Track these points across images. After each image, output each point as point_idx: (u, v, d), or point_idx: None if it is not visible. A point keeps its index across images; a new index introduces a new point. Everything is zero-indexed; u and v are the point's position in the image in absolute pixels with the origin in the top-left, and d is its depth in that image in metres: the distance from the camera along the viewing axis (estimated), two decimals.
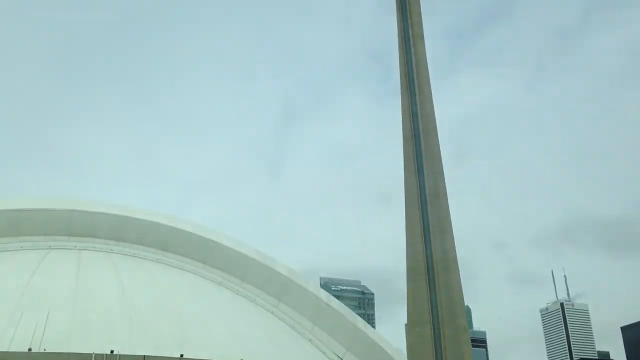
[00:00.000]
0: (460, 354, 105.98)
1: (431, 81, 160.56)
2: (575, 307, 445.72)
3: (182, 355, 36.25)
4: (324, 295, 60.18)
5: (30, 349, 33.06)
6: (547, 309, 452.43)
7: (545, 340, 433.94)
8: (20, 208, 50.53)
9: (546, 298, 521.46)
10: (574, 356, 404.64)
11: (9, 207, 50.26)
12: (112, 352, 34.12)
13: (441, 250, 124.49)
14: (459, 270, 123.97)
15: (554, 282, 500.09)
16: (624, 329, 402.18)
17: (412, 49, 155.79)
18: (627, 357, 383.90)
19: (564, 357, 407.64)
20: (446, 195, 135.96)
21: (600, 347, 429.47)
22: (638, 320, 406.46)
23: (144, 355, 35.00)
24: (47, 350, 33.19)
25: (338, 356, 56.06)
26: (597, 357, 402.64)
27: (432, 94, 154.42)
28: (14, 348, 33.70)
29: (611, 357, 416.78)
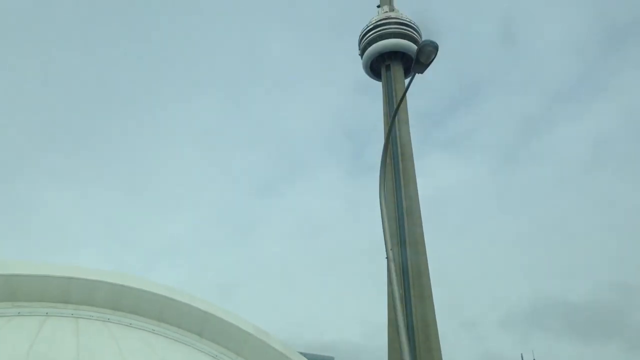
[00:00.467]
0: None
1: (401, 163, 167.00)
2: None
3: None
4: None
5: None
6: None
7: None
8: (17, 273, 48.97)
9: None
10: None
11: (6, 272, 48.67)
12: None
13: (422, 321, 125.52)
14: (439, 339, 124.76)
15: None
16: None
17: (398, 133, 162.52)
18: None
19: None
20: (428, 271, 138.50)
21: None
22: None
23: None
24: None
25: None
26: None
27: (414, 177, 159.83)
28: None
29: None
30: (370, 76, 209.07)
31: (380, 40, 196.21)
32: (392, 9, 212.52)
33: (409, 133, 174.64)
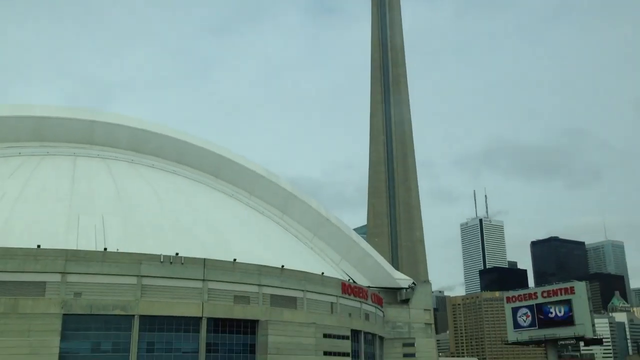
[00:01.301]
0: (415, 262, 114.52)
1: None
2: (492, 223, 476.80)
3: (235, 260, 39.45)
4: (323, 210, 63.94)
5: (105, 249, 35.19)
6: (467, 223, 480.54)
7: (463, 250, 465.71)
8: (45, 115, 50.55)
9: (467, 214, 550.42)
10: (487, 265, 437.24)
11: (35, 114, 50.19)
12: (177, 254, 36.85)
13: (403, 169, 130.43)
14: (418, 189, 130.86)
15: (475, 200, 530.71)
16: (533, 244, 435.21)
17: None
18: (533, 267, 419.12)
19: (477, 265, 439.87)
20: (410, 117, 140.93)
21: (511, 258, 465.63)
22: (545, 237, 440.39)
23: (204, 259, 37.89)
24: (119, 250, 35.44)
25: (334, 262, 60.73)
26: (507, 267, 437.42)
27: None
28: (82, 247, 35.66)
29: (519, 267, 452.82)
30: None
31: None
32: None
33: None
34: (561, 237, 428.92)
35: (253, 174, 59.20)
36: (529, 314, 68.28)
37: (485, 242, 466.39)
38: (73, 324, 32.52)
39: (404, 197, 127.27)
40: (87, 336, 32.99)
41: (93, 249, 35.62)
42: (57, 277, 32.75)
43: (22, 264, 32.30)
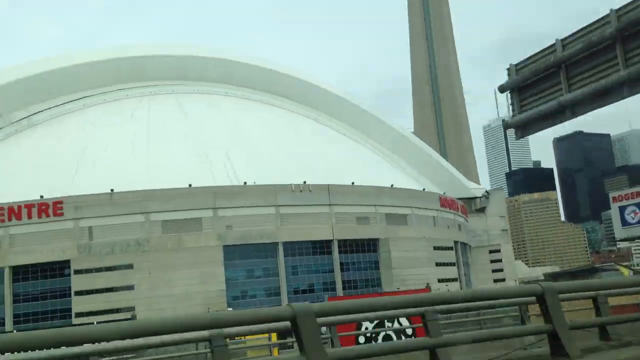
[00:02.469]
0: (467, 170, 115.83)
1: None
2: None
3: (353, 183, 41.42)
4: (400, 128, 65.19)
5: (245, 183, 37.21)
6: (489, 125, 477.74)
7: (487, 153, 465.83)
8: (141, 54, 51.39)
9: (488, 115, 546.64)
10: (512, 166, 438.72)
11: (131, 54, 51.06)
12: (304, 182, 38.82)
13: (445, 65, 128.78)
14: (462, 87, 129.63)
15: (495, 100, 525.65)
16: (558, 140, 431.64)
17: None
18: (557, 165, 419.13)
19: (503, 167, 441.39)
20: (450, 20, 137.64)
21: (535, 157, 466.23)
22: (567, 133, 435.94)
23: (328, 185, 39.85)
24: (256, 183, 37.46)
25: (413, 177, 62.60)
26: (532, 167, 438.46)
27: None
28: (220, 183, 37.68)
29: (543, 166, 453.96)
30: None
31: None
32: None
33: None
34: (585, 131, 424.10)
35: (337, 97, 60.16)
36: (637, 210, 70.37)
37: (509, 143, 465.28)
38: (229, 254, 35.14)
39: (449, 101, 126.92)
40: (242, 264, 35.73)
41: (229, 183, 37.62)
42: (210, 213, 35.02)
43: (180, 203, 34.54)
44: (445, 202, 49.52)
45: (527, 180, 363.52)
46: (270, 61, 57.91)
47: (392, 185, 44.14)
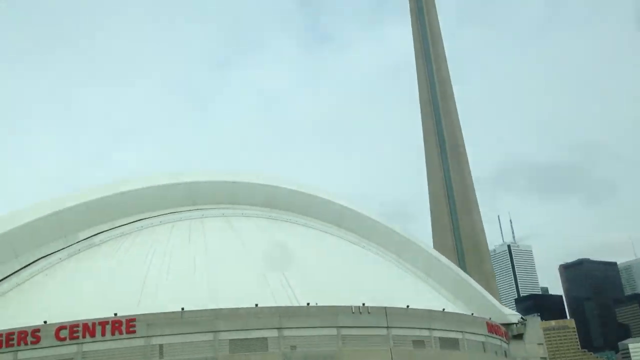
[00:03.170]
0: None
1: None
2: (520, 248, 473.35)
3: (407, 306, 41.85)
4: (434, 251, 66.47)
5: (308, 304, 37.74)
6: (494, 250, 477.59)
7: (496, 279, 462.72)
8: (194, 180, 54.02)
9: (492, 240, 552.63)
10: (520, 293, 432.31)
11: (186, 180, 53.69)
12: (363, 304, 39.33)
13: (462, 191, 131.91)
14: (480, 213, 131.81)
15: (500, 225, 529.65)
16: (565, 268, 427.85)
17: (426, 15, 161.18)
18: (566, 292, 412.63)
19: (512, 293, 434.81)
20: (463, 142, 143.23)
21: (543, 284, 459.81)
22: (575, 259, 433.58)
23: (385, 307, 40.32)
24: (318, 304, 37.98)
25: (450, 301, 62.67)
26: (540, 293, 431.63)
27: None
28: (280, 303, 38.21)
29: (550, 292, 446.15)
30: None
31: None
32: None
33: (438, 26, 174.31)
34: (592, 258, 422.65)
35: (370, 220, 61.99)
36: None
37: (516, 269, 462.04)
38: None
39: (468, 229, 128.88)
40: None
41: (289, 304, 38.22)
42: (275, 333, 35.31)
43: (247, 323, 34.97)
44: (492, 328, 49.36)
45: (537, 306, 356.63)
46: (311, 186, 60.55)
47: (443, 309, 44.52)
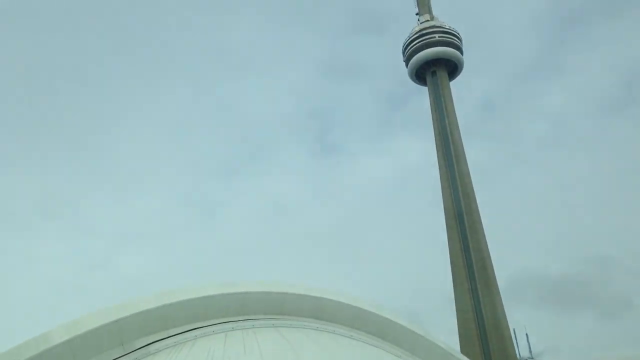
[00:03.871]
0: None
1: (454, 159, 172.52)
2: None
3: None
4: None
5: None
6: None
7: None
8: (246, 290, 55.32)
9: None
10: None
11: (239, 290, 55.02)
12: None
13: (491, 311, 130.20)
14: (507, 321, 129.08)
15: (515, 341, 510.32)
16: None
17: (449, 133, 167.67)
18: None
19: None
20: (489, 253, 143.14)
21: None
22: None
23: None
24: None
25: None
26: None
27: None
28: None
29: None
30: (415, 82, 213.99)
31: (426, 48, 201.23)
32: (432, 17, 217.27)
33: (459, 132, 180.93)
34: None
35: (414, 334, 61.85)
36: None
37: None
38: None
39: (496, 337, 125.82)
40: None
41: None
42: None
43: None
44: None
45: None
46: (357, 298, 61.25)
47: None
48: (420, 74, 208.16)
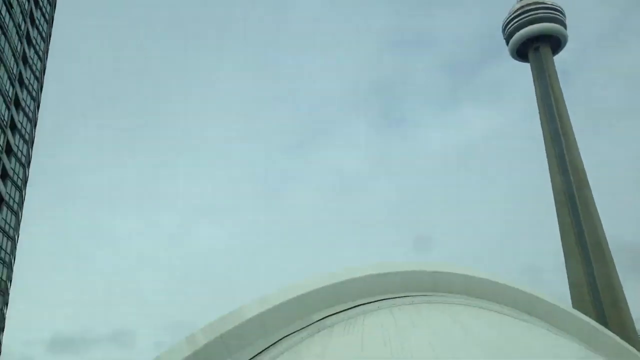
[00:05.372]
0: None
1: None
2: None
3: None
4: (619, 339, 65.03)
5: None
6: None
7: None
8: (403, 270, 58.49)
9: None
10: None
11: (396, 270, 58.25)
12: None
13: (606, 283, 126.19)
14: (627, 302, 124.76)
15: (632, 313, 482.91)
16: None
17: (555, 109, 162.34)
18: None
19: None
20: (601, 224, 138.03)
21: None
22: None
23: None
24: None
25: None
26: None
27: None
28: None
29: None
30: (516, 59, 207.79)
31: (529, 25, 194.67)
32: None
33: (565, 108, 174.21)
34: None
35: (560, 309, 62.37)
36: None
37: None
38: None
39: (616, 320, 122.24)
40: None
41: None
42: None
43: None
44: None
45: None
46: (499, 275, 62.76)
47: None
48: (522, 51, 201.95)
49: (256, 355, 52.39)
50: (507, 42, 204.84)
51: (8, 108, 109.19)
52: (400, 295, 58.06)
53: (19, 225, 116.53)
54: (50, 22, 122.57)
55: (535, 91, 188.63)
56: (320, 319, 54.45)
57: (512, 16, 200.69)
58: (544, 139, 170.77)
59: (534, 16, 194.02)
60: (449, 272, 60.74)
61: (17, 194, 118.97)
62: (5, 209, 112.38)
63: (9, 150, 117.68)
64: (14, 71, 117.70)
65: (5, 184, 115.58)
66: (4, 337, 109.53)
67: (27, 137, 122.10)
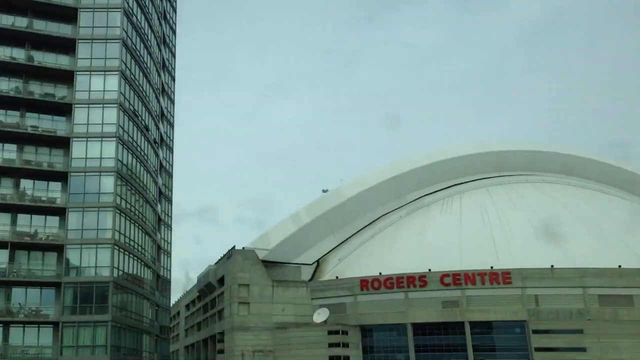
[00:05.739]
0: None
1: None
2: None
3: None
4: None
5: None
6: None
7: None
8: (502, 149, 57.41)
9: None
10: None
11: (494, 149, 57.18)
12: None
13: None
14: None
15: None
16: None
17: None
18: None
19: None
20: None
21: None
22: None
23: None
24: None
25: None
26: None
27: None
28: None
29: None
30: None
31: None
32: None
33: None
34: None
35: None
36: None
37: None
38: None
39: None
40: None
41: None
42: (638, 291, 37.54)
43: (612, 281, 37.76)
44: None
45: None
46: (604, 155, 60.52)
47: None
48: None
49: (357, 232, 54.76)
50: None
51: None
52: (497, 175, 57.54)
53: None
54: None
55: None
56: (417, 198, 55.34)
57: None
58: None
59: None
60: (548, 152, 58.99)
61: None
62: None
63: None
64: None
65: None
66: None
67: None
